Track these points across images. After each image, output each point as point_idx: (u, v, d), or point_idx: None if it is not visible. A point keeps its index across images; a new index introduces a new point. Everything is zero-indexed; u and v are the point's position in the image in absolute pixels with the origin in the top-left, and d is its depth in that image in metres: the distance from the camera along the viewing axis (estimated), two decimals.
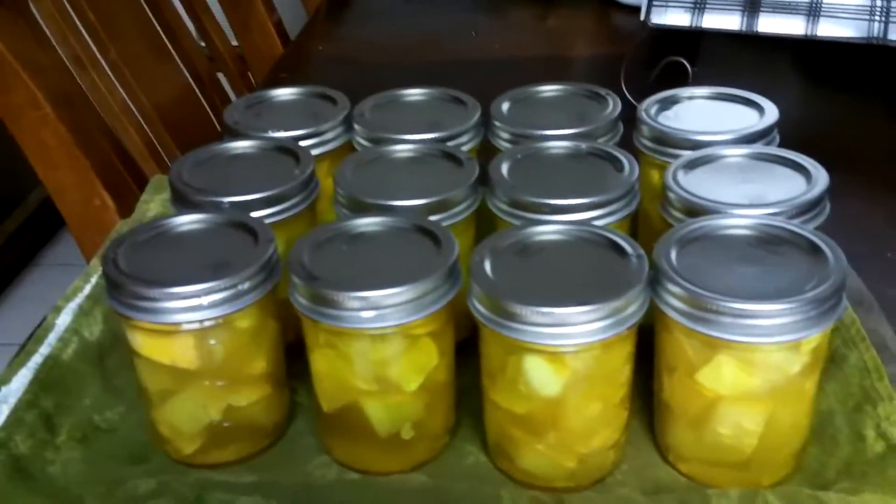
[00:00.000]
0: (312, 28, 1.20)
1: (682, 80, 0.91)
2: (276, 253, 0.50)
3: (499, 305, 0.44)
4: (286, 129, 0.61)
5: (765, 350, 0.44)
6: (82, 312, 0.61)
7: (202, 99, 1.16)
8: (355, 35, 1.17)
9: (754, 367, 0.44)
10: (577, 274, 0.46)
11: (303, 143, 0.60)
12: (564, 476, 0.48)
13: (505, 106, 0.64)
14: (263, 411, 0.51)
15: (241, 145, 0.60)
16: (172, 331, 0.47)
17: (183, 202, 0.55)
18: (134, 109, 1.01)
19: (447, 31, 1.15)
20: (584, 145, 0.57)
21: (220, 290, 0.46)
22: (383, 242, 0.50)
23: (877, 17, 0.83)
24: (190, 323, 0.47)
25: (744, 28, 0.88)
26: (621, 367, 0.46)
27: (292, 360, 0.53)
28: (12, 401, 0.54)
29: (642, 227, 0.58)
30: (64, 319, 0.61)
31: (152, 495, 0.47)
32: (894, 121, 0.87)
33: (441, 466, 0.50)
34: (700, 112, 0.61)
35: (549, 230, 0.49)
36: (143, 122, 1.02)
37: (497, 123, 0.62)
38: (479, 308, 0.46)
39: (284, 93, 0.67)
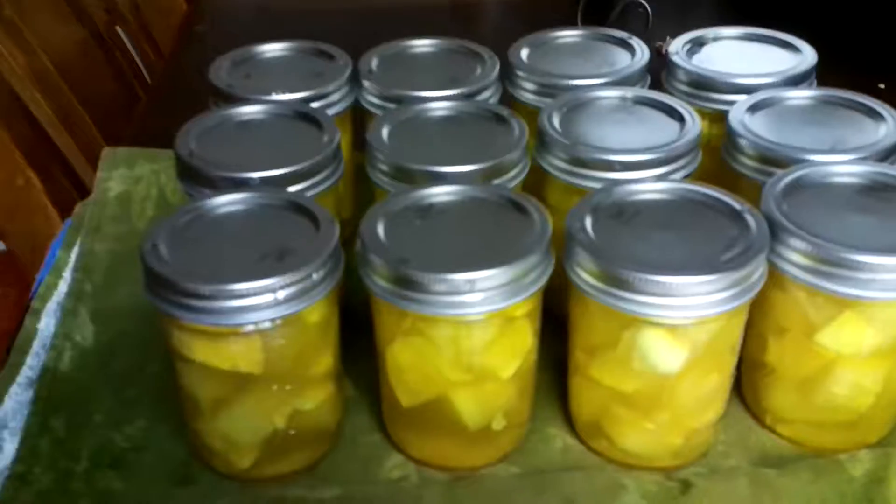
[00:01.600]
0: None
1: (638, 22, 0.88)
2: None
3: (612, 276, 0.40)
4: (290, 91, 0.54)
5: (894, 305, 0.41)
6: (66, 314, 0.53)
7: (104, 56, 1.05)
8: None
9: (881, 324, 0.42)
10: (689, 237, 0.42)
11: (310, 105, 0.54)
12: (670, 454, 0.45)
13: (524, 53, 0.58)
14: (328, 412, 0.45)
15: (249, 111, 0.52)
16: (234, 332, 0.40)
17: (197, 179, 0.48)
18: (37, 72, 0.89)
19: None
20: (629, 94, 0.53)
21: (291, 283, 0.40)
22: (462, 215, 0.44)
23: None
24: (258, 322, 0.40)
25: None
26: (740, 334, 0.43)
27: None
28: (14, 425, 0.46)
29: None
30: (47, 323, 0.52)
31: None
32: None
33: (530, 454, 0.46)
34: (733, 54, 0.58)
35: (646, 189, 0.45)
36: (48, 86, 0.90)
37: (520, 74, 0.57)
38: (585, 279, 0.41)
39: (272, 49, 0.59)
